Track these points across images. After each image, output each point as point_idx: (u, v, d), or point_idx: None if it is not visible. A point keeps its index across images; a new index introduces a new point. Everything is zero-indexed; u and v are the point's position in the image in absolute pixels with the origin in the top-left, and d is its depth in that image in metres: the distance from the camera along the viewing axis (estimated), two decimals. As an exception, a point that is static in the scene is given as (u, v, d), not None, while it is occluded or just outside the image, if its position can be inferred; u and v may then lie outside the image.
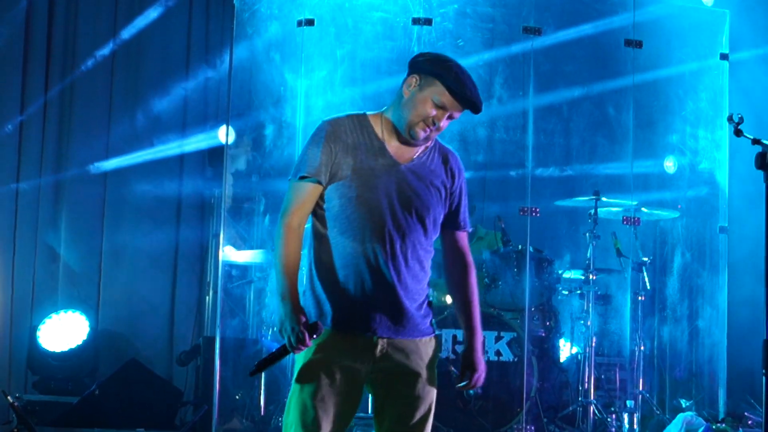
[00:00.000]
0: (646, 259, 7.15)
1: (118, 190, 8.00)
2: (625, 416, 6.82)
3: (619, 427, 6.76)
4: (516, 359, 6.51)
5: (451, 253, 3.52)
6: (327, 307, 3.32)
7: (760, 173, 3.91)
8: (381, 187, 3.32)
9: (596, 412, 6.68)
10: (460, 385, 3.47)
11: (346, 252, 3.31)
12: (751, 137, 3.97)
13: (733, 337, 7.33)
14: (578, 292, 7.05)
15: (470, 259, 3.53)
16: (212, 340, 6.76)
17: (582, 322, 7.00)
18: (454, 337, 6.43)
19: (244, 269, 7.63)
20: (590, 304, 6.88)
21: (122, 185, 7.99)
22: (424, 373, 3.38)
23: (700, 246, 7.75)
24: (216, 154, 7.75)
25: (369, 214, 3.30)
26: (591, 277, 6.90)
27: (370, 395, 3.46)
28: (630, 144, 7.15)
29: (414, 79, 3.35)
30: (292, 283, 3.27)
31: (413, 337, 3.37)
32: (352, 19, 7.08)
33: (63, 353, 7.28)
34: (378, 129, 3.39)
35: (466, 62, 3.49)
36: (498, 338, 6.53)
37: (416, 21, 6.74)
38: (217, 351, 6.51)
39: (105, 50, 8.02)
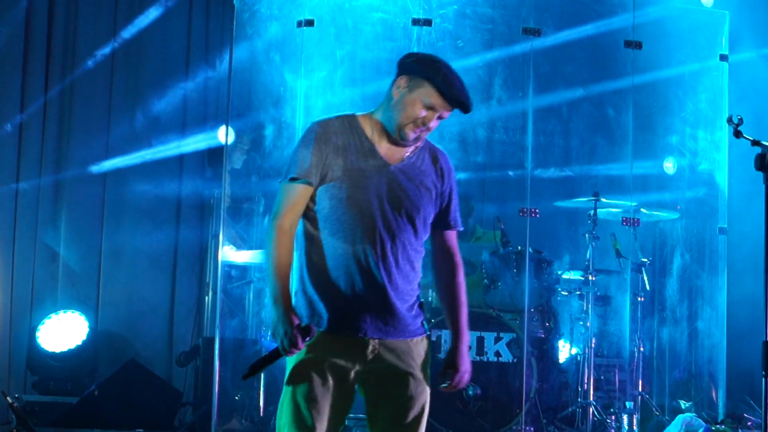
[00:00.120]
0: (645, 260, 7.15)
1: (117, 190, 8.00)
2: (625, 417, 6.82)
3: (619, 428, 6.76)
4: (515, 360, 6.51)
5: (441, 253, 3.52)
6: (319, 308, 3.32)
7: (760, 174, 3.92)
8: (371, 188, 3.32)
9: (595, 413, 6.68)
10: (442, 385, 3.45)
11: (336, 253, 3.31)
12: (751, 138, 3.97)
13: (732, 338, 7.33)
14: (578, 293, 7.05)
15: (459, 259, 3.53)
16: (212, 340, 6.76)
17: (581, 323, 7.00)
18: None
19: (243, 270, 7.63)
20: (590, 305, 6.89)
21: (122, 185, 7.99)
22: (416, 373, 3.38)
23: (699, 247, 7.75)
24: (215, 154, 7.75)
25: (359, 215, 3.31)
26: (590, 278, 6.90)
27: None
28: (629, 145, 7.15)
29: (403, 81, 3.36)
30: (284, 286, 3.27)
31: (404, 337, 3.38)
32: (352, 20, 7.08)
33: (62, 353, 7.28)
34: (368, 130, 3.40)
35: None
36: (497, 339, 6.53)
37: (416, 22, 6.74)
38: (217, 351, 6.51)
39: (105, 50, 8.02)
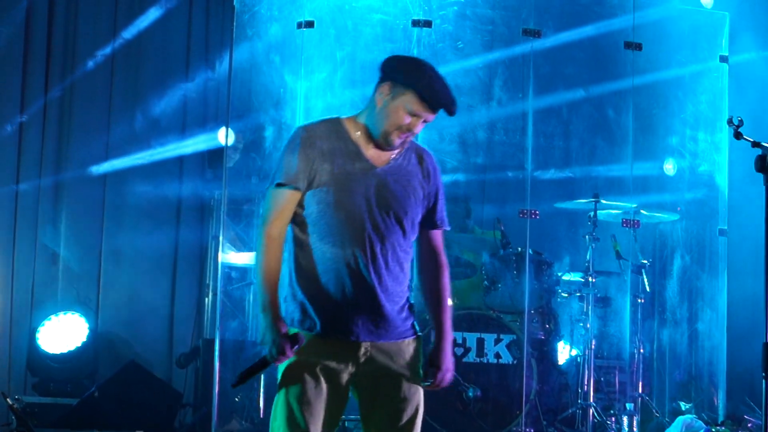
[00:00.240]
0: (645, 261, 7.15)
1: (117, 192, 7.99)
2: (625, 419, 6.82)
3: (619, 430, 6.76)
4: (515, 362, 6.50)
5: (427, 252, 3.53)
6: (310, 312, 3.32)
7: (760, 176, 3.92)
8: (359, 192, 3.32)
9: (595, 414, 6.68)
10: (424, 384, 3.45)
11: (326, 257, 3.32)
12: (751, 140, 3.97)
13: (732, 339, 7.32)
14: (578, 294, 7.05)
15: (444, 258, 3.54)
16: (212, 342, 6.76)
17: (581, 324, 6.99)
18: (454, 339, 6.41)
19: (243, 271, 7.62)
20: (590, 307, 6.88)
21: (122, 186, 7.99)
22: (408, 374, 3.39)
23: (699, 248, 7.75)
24: (215, 155, 7.74)
25: (348, 218, 3.31)
26: (590, 279, 6.90)
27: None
28: (629, 146, 7.15)
29: (386, 88, 3.36)
30: (273, 294, 3.27)
31: (396, 339, 3.39)
32: (352, 21, 7.08)
33: (62, 355, 7.27)
34: (353, 133, 3.41)
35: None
36: (497, 341, 6.53)
37: (416, 23, 6.74)
38: (217, 353, 6.51)
39: (105, 51, 8.01)
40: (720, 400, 7.31)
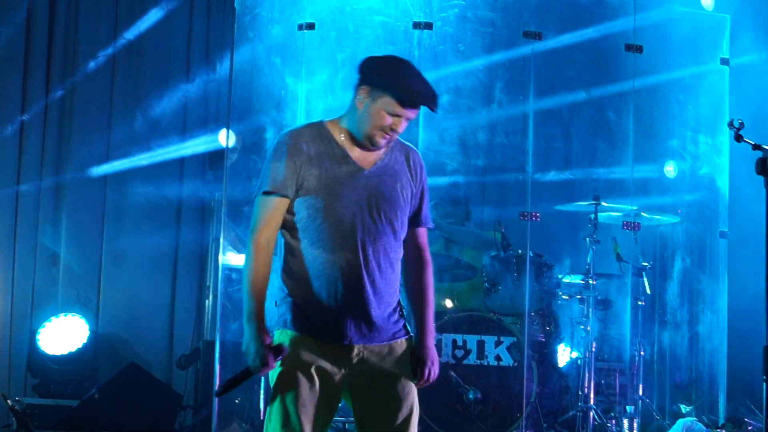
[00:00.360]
0: (646, 263, 7.14)
1: (118, 193, 8.00)
2: (625, 421, 6.81)
3: (619, 432, 6.76)
4: (516, 364, 6.50)
5: (412, 250, 3.53)
6: (303, 314, 3.33)
7: (761, 178, 3.92)
8: (347, 195, 3.32)
9: (596, 417, 6.67)
10: (415, 382, 3.45)
11: (317, 262, 3.32)
12: (752, 142, 3.97)
13: (733, 342, 7.32)
14: (578, 296, 7.04)
15: (428, 255, 3.55)
16: (212, 344, 6.75)
17: (582, 327, 6.98)
18: (454, 341, 6.44)
19: (243, 273, 7.61)
20: (590, 309, 6.87)
21: (122, 188, 7.99)
22: (400, 373, 3.40)
23: (700, 251, 7.74)
24: (216, 157, 7.74)
25: (338, 222, 3.31)
26: (591, 281, 6.89)
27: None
28: (630, 148, 7.14)
29: (364, 92, 3.34)
30: (259, 303, 3.27)
31: (388, 341, 3.40)
32: (353, 23, 7.07)
33: (63, 357, 7.27)
34: (338, 136, 3.40)
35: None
36: (498, 343, 6.53)
37: (417, 25, 6.74)
38: (217, 355, 6.50)
39: (106, 52, 8.02)
40: (720, 403, 7.31)
